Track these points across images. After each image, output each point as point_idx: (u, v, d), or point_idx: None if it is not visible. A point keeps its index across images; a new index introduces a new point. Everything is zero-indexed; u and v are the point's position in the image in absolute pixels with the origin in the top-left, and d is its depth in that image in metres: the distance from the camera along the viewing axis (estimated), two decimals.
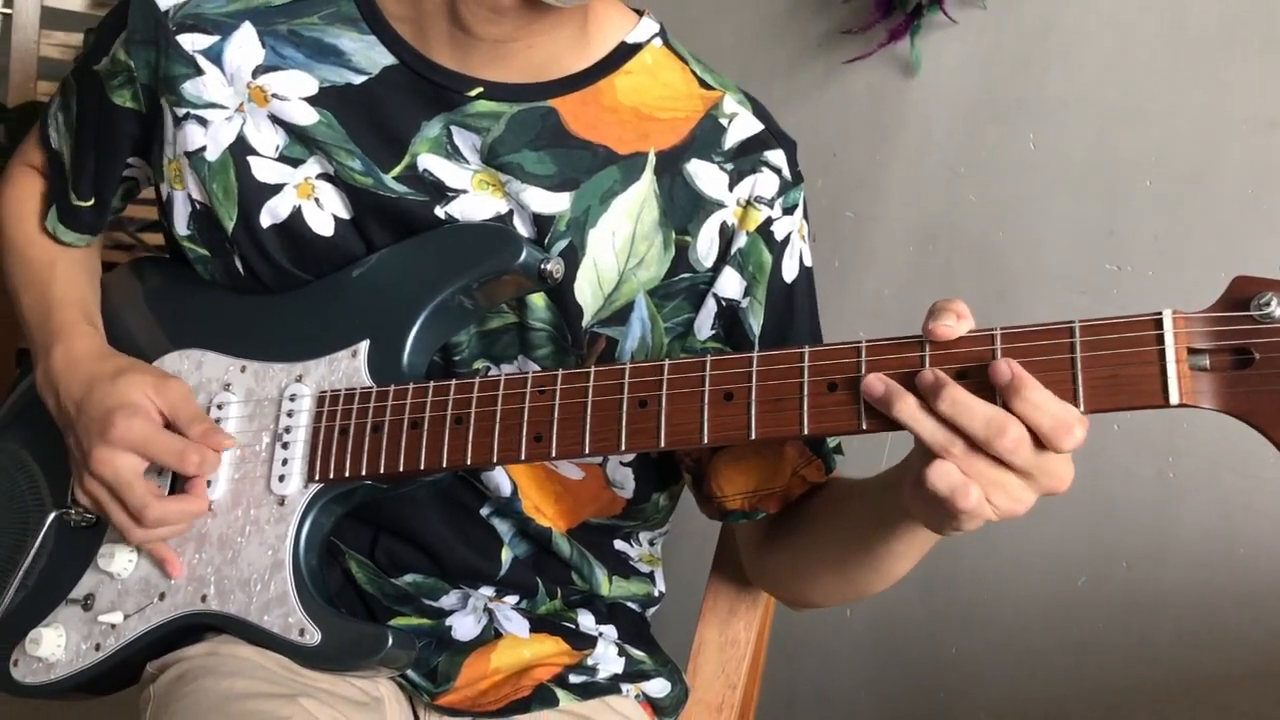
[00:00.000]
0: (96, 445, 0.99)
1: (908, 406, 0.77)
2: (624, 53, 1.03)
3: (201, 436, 1.00)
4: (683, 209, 1.01)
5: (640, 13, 1.06)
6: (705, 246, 1.02)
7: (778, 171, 1.03)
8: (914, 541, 0.91)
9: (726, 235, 1.02)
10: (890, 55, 1.93)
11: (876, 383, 0.79)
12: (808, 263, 1.06)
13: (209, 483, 1.01)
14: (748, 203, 1.02)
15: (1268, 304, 0.69)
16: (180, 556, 1.01)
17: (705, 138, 1.02)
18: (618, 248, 1.01)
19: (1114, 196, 1.68)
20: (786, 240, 1.04)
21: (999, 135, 1.82)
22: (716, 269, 1.02)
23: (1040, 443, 0.75)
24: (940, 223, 1.88)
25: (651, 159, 1.01)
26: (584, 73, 1.02)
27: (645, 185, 1.01)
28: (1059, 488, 0.77)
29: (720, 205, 1.02)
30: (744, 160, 1.02)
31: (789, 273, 1.04)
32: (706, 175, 1.02)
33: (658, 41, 1.05)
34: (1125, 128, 1.68)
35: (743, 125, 1.04)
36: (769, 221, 1.02)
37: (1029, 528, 1.73)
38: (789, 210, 1.04)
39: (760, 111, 1.06)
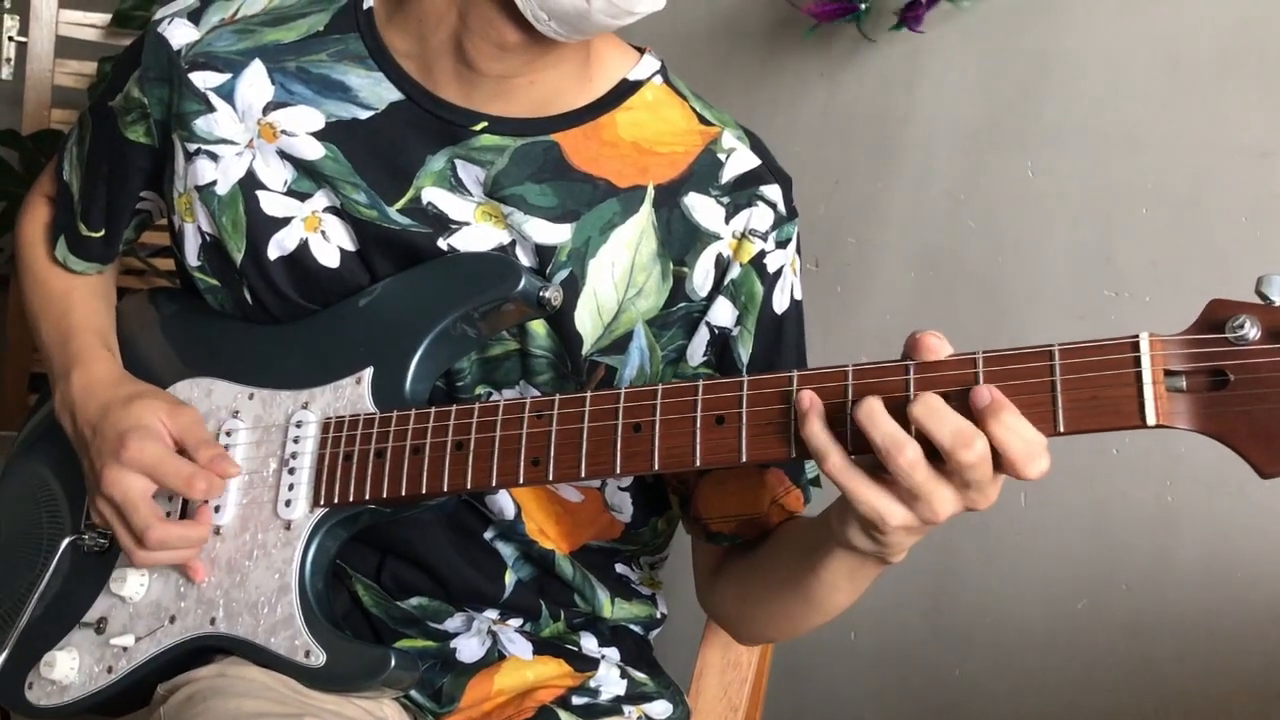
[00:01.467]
0: (109, 465, 1.01)
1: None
2: (625, 89, 1.06)
3: (209, 462, 1.02)
4: (680, 241, 1.04)
5: (641, 51, 1.09)
6: (701, 277, 1.04)
7: (773, 206, 1.05)
8: (844, 570, 0.93)
9: (721, 266, 1.04)
10: (891, 82, 1.96)
11: (804, 397, 0.82)
12: (798, 296, 1.09)
13: (217, 508, 1.03)
14: (743, 235, 1.04)
15: (1241, 326, 0.71)
16: (190, 581, 1.03)
17: (703, 172, 1.05)
18: (617, 278, 1.03)
19: (1111, 224, 1.70)
20: (779, 273, 1.06)
21: (998, 163, 1.84)
22: (710, 298, 1.05)
23: (1000, 466, 0.77)
24: (941, 249, 1.90)
25: (650, 192, 1.04)
26: (586, 108, 1.04)
27: (644, 217, 1.03)
28: (981, 505, 0.79)
29: (716, 237, 1.04)
30: (740, 194, 1.05)
31: (779, 305, 1.06)
32: (704, 208, 1.04)
33: (658, 79, 1.08)
34: (1122, 156, 1.70)
35: (740, 160, 1.06)
36: (762, 254, 1.05)
37: (1030, 551, 1.75)
38: (782, 244, 1.06)
39: (758, 147, 1.08)
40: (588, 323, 1.03)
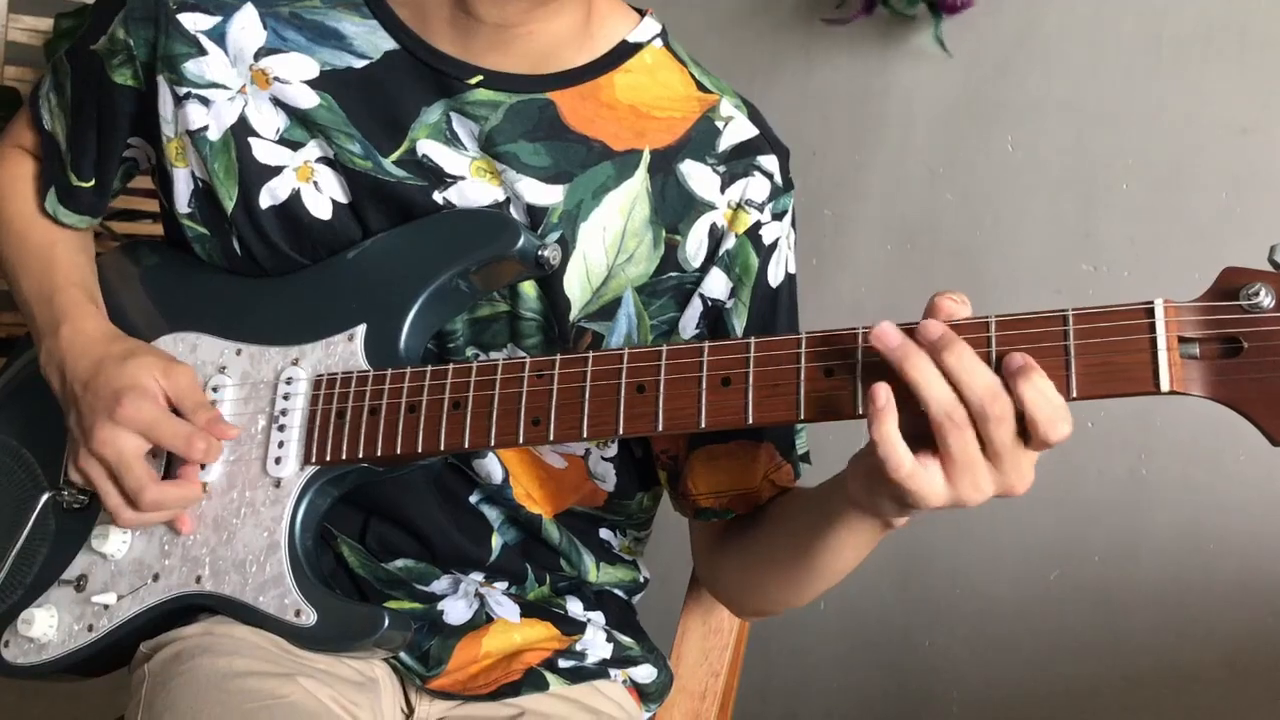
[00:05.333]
0: (102, 423, 0.99)
1: (922, 363, 0.76)
2: (625, 51, 1.04)
3: (207, 425, 1.00)
4: (674, 208, 1.02)
5: (642, 13, 1.07)
6: (694, 247, 1.03)
7: (770, 177, 1.04)
8: (852, 532, 0.92)
9: (716, 236, 1.03)
10: (871, 55, 1.95)
11: (893, 333, 0.78)
12: (792, 270, 1.08)
13: (203, 465, 1.01)
14: (738, 205, 1.03)
15: (1256, 294, 0.71)
16: (175, 539, 1.01)
17: (700, 139, 1.03)
18: (608, 243, 1.02)
19: (1091, 199, 1.71)
20: (774, 245, 1.05)
21: (978, 137, 1.84)
22: (704, 269, 1.04)
23: (1024, 432, 0.76)
24: (918, 222, 1.91)
25: (646, 156, 1.02)
26: (584, 68, 1.03)
27: (638, 182, 1.02)
28: (1018, 488, 0.78)
29: (711, 207, 1.03)
30: (737, 163, 1.04)
31: (774, 278, 1.05)
32: (699, 176, 1.03)
33: (658, 42, 1.06)
34: (1102, 131, 1.71)
35: (738, 129, 1.05)
36: (758, 225, 1.04)
37: (1003, 522, 1.76)
38: (778, 216, 1.05)
39: (756, 117, 1.07)
40: (576, 288, 1.02)
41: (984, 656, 1.78)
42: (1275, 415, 0.71)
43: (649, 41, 1.06)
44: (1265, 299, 0.71)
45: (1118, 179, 1.69)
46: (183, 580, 1.00)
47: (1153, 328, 0.73)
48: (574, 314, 1.02)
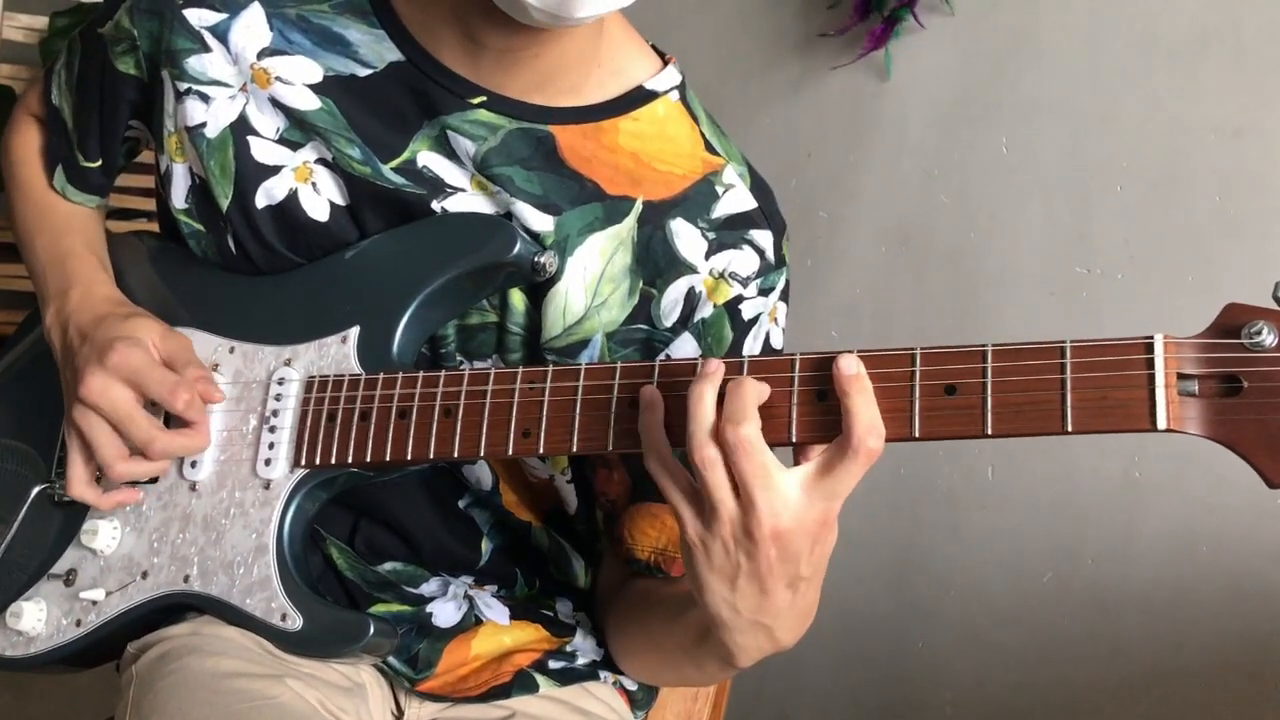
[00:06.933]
0: (93, 370, 0.96)
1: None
2: (638, 98, 1.01)
3: (195, 380, 0.98)
4: (656, 263, 1.00)
5: (665, 59, 1.04)
6: (669, 305, 1.01)
7: (760, 253, 1.01)
8: (694, 630, 0.93)
9: (692, 302, 1.01)
10: (866, 58, 1.94)
11: (646, 392, 0.83)
12: (776, 344, 1.05)
13: (194, 463, 1.01)
14: (720, 275, 1.00)
15: (1259, 333, 0.69)
16: (165, 537, 1.01)
17: (696, 200, 1.00)
18: (586, 283, 1.00)
19: (1085, 200, 1.71)
20: (754, 321, 1.02)
21: (972, 138, 1.84)
22: (675, 331, 1.01)
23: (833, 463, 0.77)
24: (913, 224, 1.90)
25: (638, 207, 1.00)
26: (592, 107, 1.00)
27: (625, 229, 1.00)
28: (741, 553, 0.81)
29: (693, 270, 1.00)
30: (728, 233, 1.01)
31: (749, 351, 1.02)
32: (687, 236, 1.00)
33: (675, 95, 1.03)
34: (1097, 133, 1.71)
35: (736, 199, 1.02)
36: (739, 299, 1.01)
37: (997, 525, 1.76)
38: (764, 292, 1.02)
39: (759, 189, 1.03)
40: (549, 316, 1.00)
41: (977, 658, 1.78)
42: (1272, 457, 0.70)
43: (665, 92, 1.02)
44: (1268, 338, 0.69)
45: (1112, 181, 1.68)
46: (171, 579, 1.00)
47: (1151, 364, 0.72)
48: (543, 339, 1.01)
